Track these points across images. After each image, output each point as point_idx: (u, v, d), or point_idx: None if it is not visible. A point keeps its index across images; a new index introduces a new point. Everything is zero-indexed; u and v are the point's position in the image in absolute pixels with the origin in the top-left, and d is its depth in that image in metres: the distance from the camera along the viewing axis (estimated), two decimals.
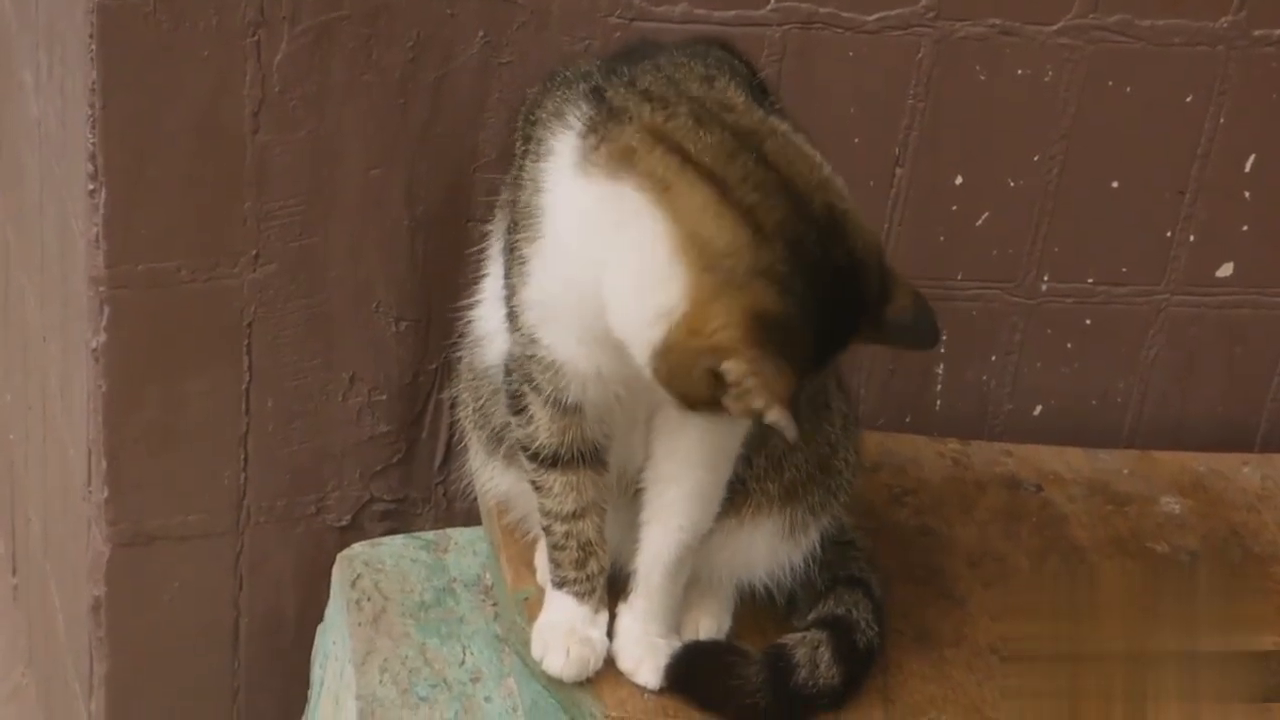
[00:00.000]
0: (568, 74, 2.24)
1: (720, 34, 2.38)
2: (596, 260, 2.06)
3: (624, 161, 2.03)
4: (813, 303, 1.98)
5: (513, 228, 2.22)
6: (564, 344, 2.19)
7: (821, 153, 2.10)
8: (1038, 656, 2.47)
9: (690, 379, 2.01)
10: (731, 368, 1.97)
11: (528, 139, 2.23)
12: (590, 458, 2.31)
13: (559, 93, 2.20)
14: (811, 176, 2.03)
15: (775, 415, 2.00)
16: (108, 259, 2.61)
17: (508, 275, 2.25)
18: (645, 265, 2.01)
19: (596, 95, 2.12)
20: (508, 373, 2.32)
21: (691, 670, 2.37)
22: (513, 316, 2.25)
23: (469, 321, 2.48)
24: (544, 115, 2.19)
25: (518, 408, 2.30)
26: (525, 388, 2.27)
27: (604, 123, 2.08)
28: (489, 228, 2.45)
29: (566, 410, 2.25)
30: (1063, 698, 2.44)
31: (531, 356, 2.23)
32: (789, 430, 2.00)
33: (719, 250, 1.97)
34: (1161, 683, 2.44)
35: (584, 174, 2.08)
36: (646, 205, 2.01)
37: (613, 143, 2.06)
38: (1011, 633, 2.52)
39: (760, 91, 2.20)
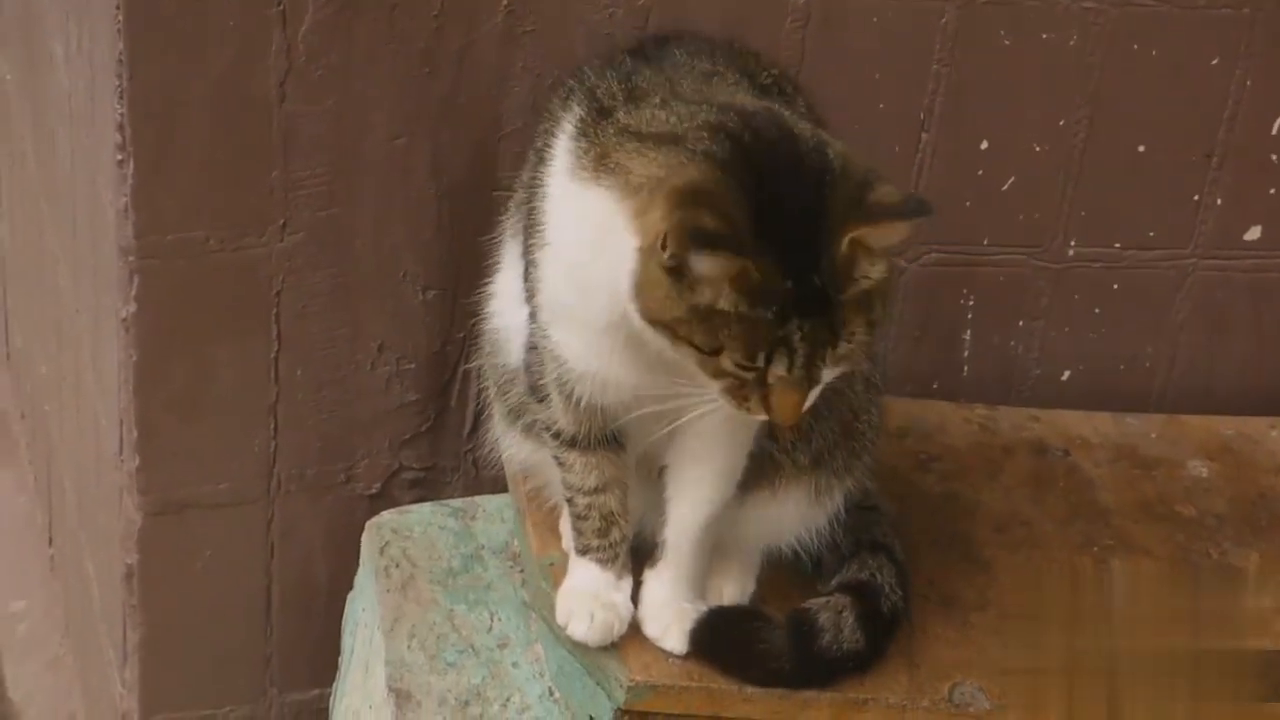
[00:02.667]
0: (571, 83, 2.28)
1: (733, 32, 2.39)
2: (593, 261, 2.10)
3: (602, 164, 2.09)
4: (741, 166, 1.99)
5: (528, 233, 2.27)
6: (570, 342, 2.22)
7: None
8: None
9: (661, 292, 2.00)
10: (661, 230, 1.97)
11: (538, 149, 2.28)
12: (609, 441, 2.33)
13: (564, 99, 2.24)
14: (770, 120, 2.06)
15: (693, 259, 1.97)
16: (137, 229, 2.63)
17: (526, 279, 2.30)
18: (621, 250, 2.04)
19: (590, 96, 2.17)
20: (528, 367, 2.36)
21: (716, 635, 2.38)
22: (532, 315, 2.30)
23: (487, 317, 2.51)
24: (549, 124, 2.24)
25: (540, 396, 2.34)
26: (549, 383, 2.30)
27: (593, 125, 2.12)
28: (502, 218, 2.48)
29: (584, 409, 2.28)
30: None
31: (547, 350, 2.26)
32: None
33: (653, 177, 2.02)
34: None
35: (576, 179, 2.12)
36: (615, 199, 2.06)
37: (598, 147, 2.10)
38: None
39: (765, 90, 2.24)
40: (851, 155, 2.05)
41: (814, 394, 2.06)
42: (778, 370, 2.01)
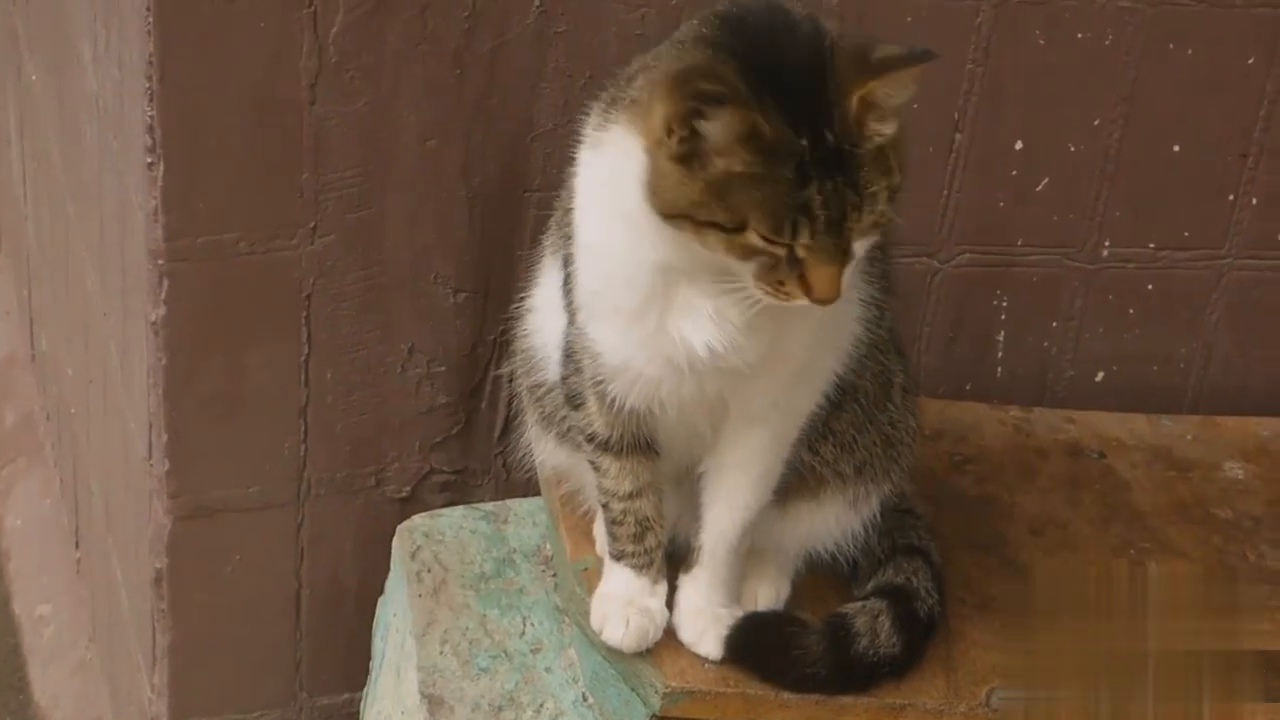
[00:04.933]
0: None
1: None
2: (609, 235, 2.13)
3: (612, 108, 2.11)
4: (735, 38, 1.99)
5: (565, 239, 2.27)
6: (606, 336, 2.21)
7: None
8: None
9: (672, 181, 1.99)
10: (664, 115, 1.96)
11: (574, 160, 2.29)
12: (644, 447, 2.32)
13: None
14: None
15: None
16: (166, 232, 2.62)
17: (565, 285, 2.29)
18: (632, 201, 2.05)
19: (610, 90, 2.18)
20: (564, 379, 2.35)
21: (752, 641, 2.37)
22: (570, 319, 2.29)
23: (523, 333, 2.50)
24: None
25: (576, 402, 2.33)
26: (584, 385, 2.29)
27: (614, 102, 2.13)
28: (542, 235, 2.47)
29: (619, 412, 2.27)
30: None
31: (584, 348, 2.26)
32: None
33: (651, 81, 2.03)
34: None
35: (592, 144, 2.15)
36: (622, 127, 2.07)
37: (610, 107, 2.12)
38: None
39: None
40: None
41: (849, 272, 2.01)
42: (804, 238, 1.97)
